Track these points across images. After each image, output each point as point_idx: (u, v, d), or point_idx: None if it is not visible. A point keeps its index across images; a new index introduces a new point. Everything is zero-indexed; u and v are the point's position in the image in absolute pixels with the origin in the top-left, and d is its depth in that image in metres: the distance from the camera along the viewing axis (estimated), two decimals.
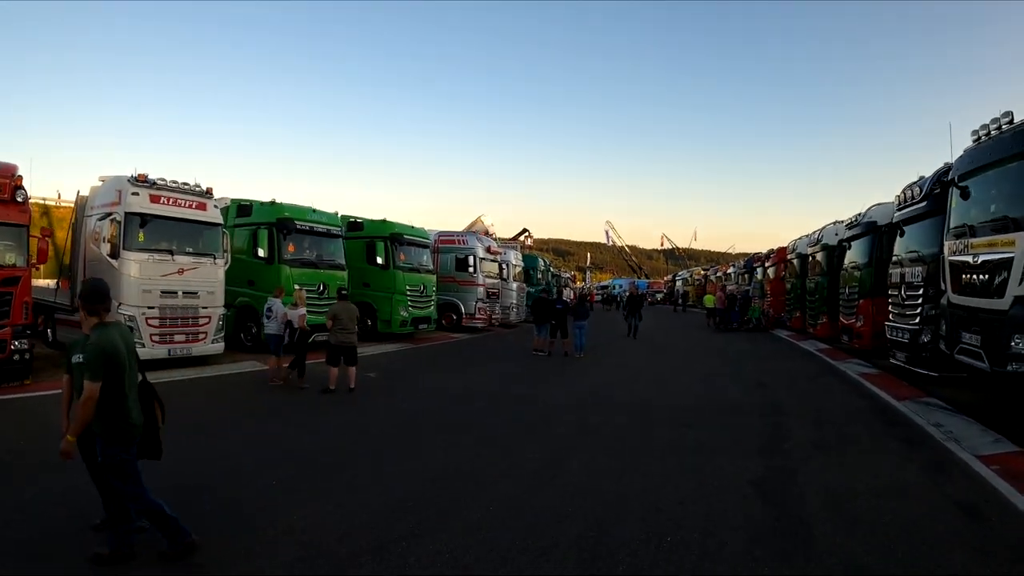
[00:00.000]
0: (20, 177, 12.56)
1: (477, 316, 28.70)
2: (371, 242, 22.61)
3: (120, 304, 13.89)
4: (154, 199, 14.57)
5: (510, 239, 52.23)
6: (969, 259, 10.00)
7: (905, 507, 6.30)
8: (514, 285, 33.89)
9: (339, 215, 21.44)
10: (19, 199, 12.46)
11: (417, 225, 25.51)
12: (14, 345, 12.08)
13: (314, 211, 19.50)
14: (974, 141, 10.55)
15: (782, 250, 30.90)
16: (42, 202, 19.49)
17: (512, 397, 12.96)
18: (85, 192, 16.12)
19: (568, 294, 44.77)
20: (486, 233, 38.84)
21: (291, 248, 18.41)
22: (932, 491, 6.81)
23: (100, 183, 15.39)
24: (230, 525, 5.74)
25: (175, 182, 15.11)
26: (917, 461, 7.96)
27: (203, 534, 5.27)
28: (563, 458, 8.18)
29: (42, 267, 16.59)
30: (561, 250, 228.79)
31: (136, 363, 5.06)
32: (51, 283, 17.19)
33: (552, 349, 20.11)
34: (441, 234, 29.41)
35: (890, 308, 14.34)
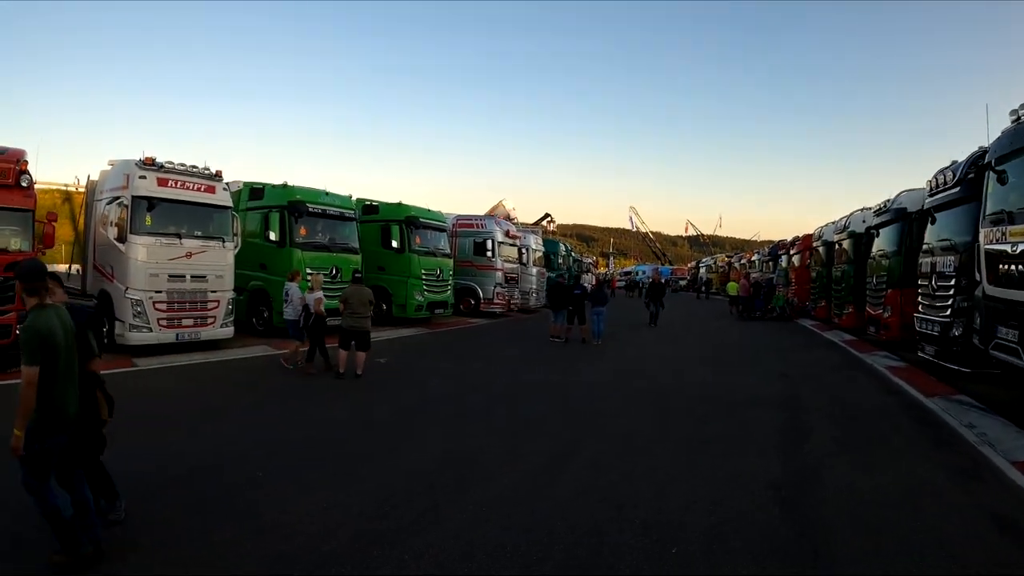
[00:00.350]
0: (25, 162, 12.43)
1: (495, 301, 28.30)
2: (386, 225, 22.24)
3: (127, 288, 13.82)
4: (161, 182, 14.35)
5: (532, 224, 51.67)
6: (1007, 248, 9.38)
7: (936, 519, 5.79)
8: (534, 270, 33.51)
9: (354, 198, 21.07)
10: (23, 184, 12.28)
11: (437, 210, 25.23)
12: (19, 330, 11.86)
13: (327, 194, 19.17)
14: (1013, 122, 9.93)
15: (807, 237, 30.12)
16: (64, 188, 19.45)
17: (524, 385, 12.65)
18: (96, 177, 15.97)
19: (589, 279, 44.32)
20: (507, 218, 38.34)
21: (303, 231, 18.11)
22: (965, 501, 6.27)
23: (109, 167, 15.20)
24: (225, 515, 5.60)
25: (183, 165, 14.88)
26: (948, 466, 7.42)
27: (201, 522, 5.37)
28: (570, 452, 7.84)
29: (65, 251, 16.57)
30: (585, 235, 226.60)
31: (78, 350, 4.77)
32: (73, 268, 17.24)
33: (569, 336, 19.68)
34: (459, 218, 29.01)
35: (919, 299, 13.69)
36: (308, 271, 15.89)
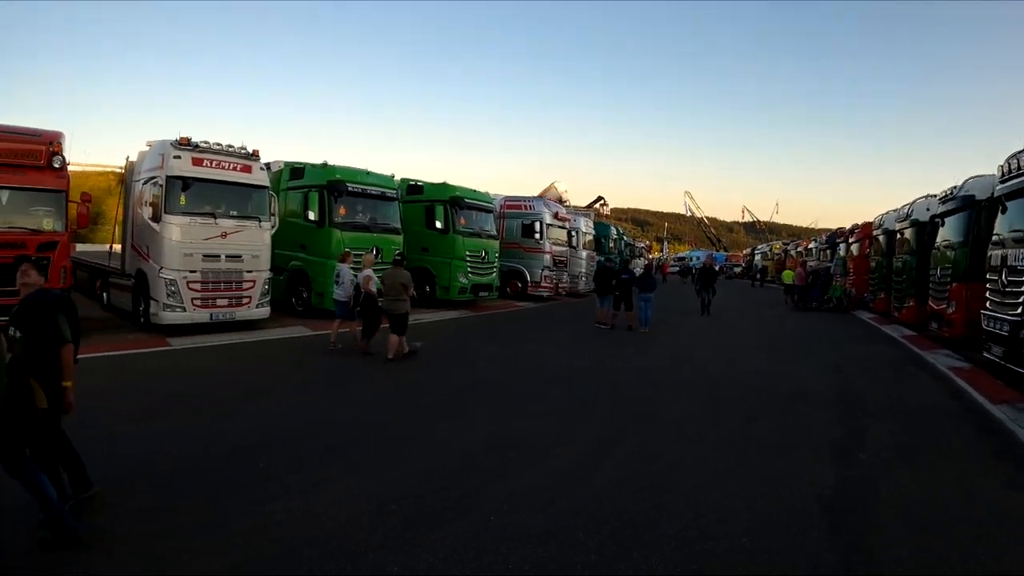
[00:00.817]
0: (59, 144, 12.58)
1: (543, 284, 27.59)
2: (430, 206, 21.71)
3: (161, 268, 13.68)
4: (197, 162, 14.13)
5: (585, 207, 50.71)
6: None
7: (1008, 553, 4.95)
8: (584, 253, 32.68)
9: (398, 178, 20.68)
10: (55, 165, 12.51)
11: (485, 191, 24.70)
12: None
13: (368, 173, 18.74)
14: None
15: (867, 225, 28.48)
16: (119, 170, 19.61)
17: (564, 372, 12.08)
18: (135, 158, 15.93)
19: (640, 264, 43.22)
20: (559, 200, 37.50)
21: (343, 211, 17.76)
22: None
23: (147, 148, 15.07)
24: (245, 502, 5.36)
25: (219, 145, 14.61)
26: (1019, 486, 6.49)
27: (217, 509, 5.20)
28: (606, 448, 7.29)
29: (114, 232, 16.70)
30: (639, 220, 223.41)
31: (46, 336, 4.72)
32: (115, 248, 17.36)
33: (616, 322, 18.79)
34: (507, 199, 28.32)
35: (987, 295, 12.51)
36: (347, 249, 15.40)
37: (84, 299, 18.31)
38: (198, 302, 14.03)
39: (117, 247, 16.89)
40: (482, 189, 24.28)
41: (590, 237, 34.57)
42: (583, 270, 32.36)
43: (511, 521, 5.12)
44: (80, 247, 21.09)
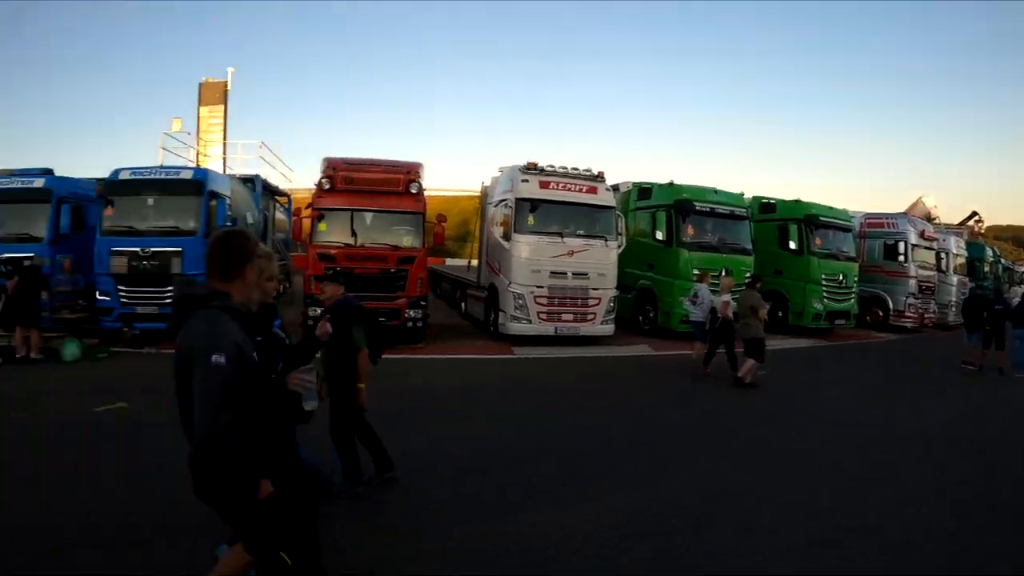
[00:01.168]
0: (416, 173, 13.83)
1: (907, 314, 22.92)
2: (783, 225, 19.25)
3: (510, 283, 14.16)
4: (543, 185, 14.38)
5: (956, 225, 43.60)
6: None
7: None
8: (954, 279, 26.79)
9: (748, 196, 18.85)
10: (412, 191, 13.64)
11: (843, 208, 21.47)
12: (408, 314, 13.23)
13: (716, 192, 17.31)
14: None
15: None
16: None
17: (884, 422, 9.32)
18: (489, 183, 17.08)
19: (1017, 293, 35.78)
20: (927, 217, 32.34)
21: (691, 231, 16.59)
22: None
23: (499, 173, 15.92)
24: (505, 510, 5.28)
25: (564, 168, 14.84)
26: None
27: (474, 514, 5.14)
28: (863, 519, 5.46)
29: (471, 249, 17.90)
30: (1023, 239, 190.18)
31: (341, 345, 5.23)
32: (474, 263, 18.79)
33: (984, 362, 14.42)
34: (868, 216, 24.22)
35: None
36: (701, 270, 14.68)
37: (446, 307, 20.30)
38: (544, 316, 14.14)
39: (475, 262, 18.05)
40: (839, 206, 21.14)
41: (961, 260, 28.43)
42: (952, 299, 26.47)
43: (733, 544, 4.80)
44: (449, 261, 23.12)
